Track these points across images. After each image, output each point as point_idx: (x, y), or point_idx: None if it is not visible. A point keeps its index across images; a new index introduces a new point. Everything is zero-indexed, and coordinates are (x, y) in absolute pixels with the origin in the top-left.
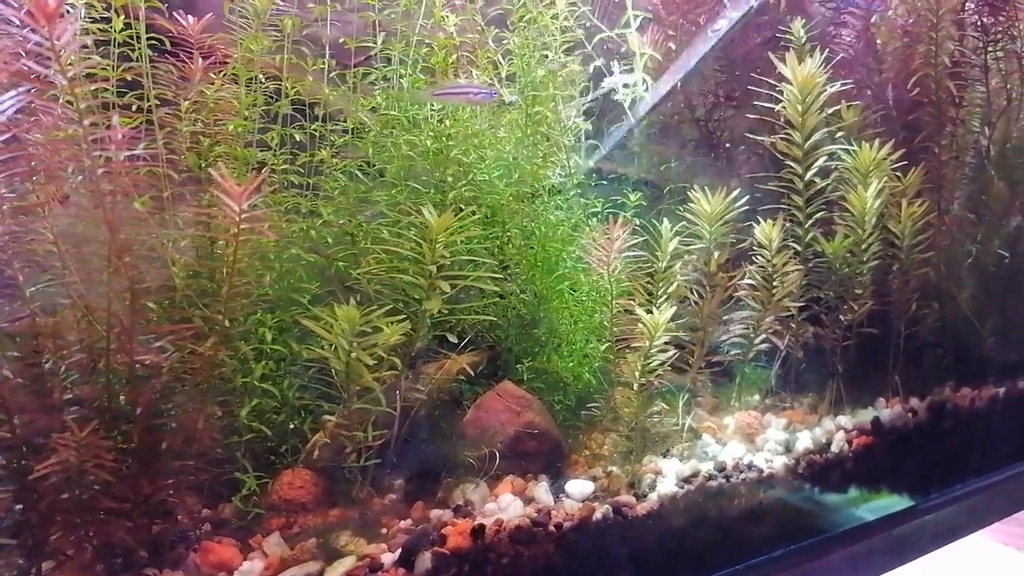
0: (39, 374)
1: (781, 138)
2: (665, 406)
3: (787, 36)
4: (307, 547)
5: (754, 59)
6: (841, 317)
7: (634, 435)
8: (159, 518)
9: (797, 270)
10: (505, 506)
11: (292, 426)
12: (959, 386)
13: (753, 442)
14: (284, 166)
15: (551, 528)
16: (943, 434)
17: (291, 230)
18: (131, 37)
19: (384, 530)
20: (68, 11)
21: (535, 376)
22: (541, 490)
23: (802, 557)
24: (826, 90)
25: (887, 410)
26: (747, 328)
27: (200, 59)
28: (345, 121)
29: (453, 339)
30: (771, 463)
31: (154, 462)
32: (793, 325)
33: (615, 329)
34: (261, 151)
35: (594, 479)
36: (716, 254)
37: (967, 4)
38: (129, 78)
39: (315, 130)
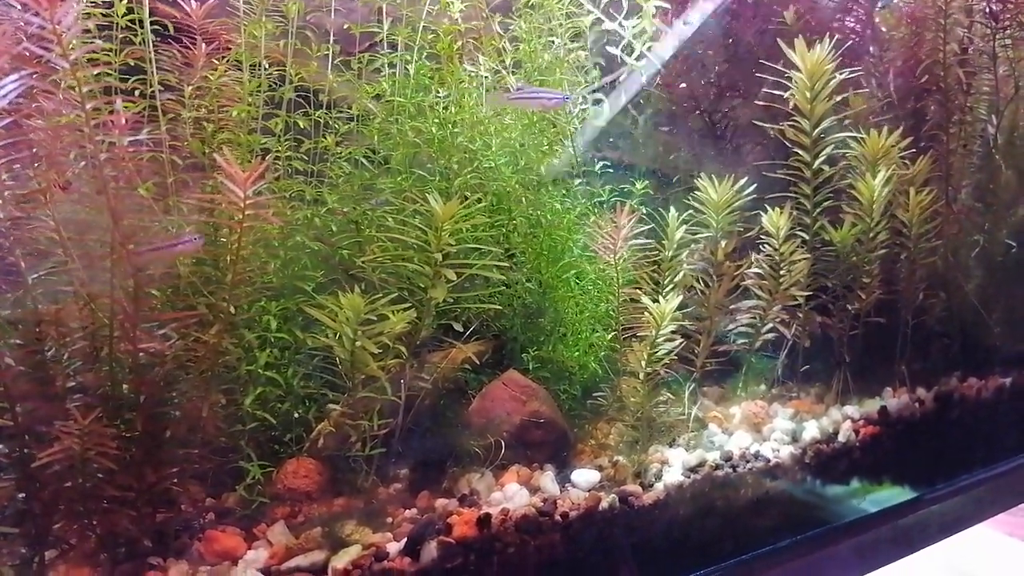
0: (41, 362)
1: (789, 125)
2: (671, 396)
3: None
4: (312, 536)
5: (761, 45)
6: (848, 306)
7: (640, 425)
8: (163, 507)
9: (804, 259)
10: (511, 495)
11: (297, 415)
12: (966, 376)
13: (760, 432)
14: (288, 153)
15: (557, 518)
16: (950, 424)
17: (295, 217)
18: (133, 22)
19: (389, 519)
20: None
21: (541, 365)
22: (547, 480)
23: (808, 547)
24: (835, 77)
25: (894, 400)
26: (754, 317)
27: (203, 45)
28: (350, 108)
29: (458, 328)
30: (778, 453)
31: (158, 450)
32: (800, 314)
33: (621, 318)
34: (265, 138)
35: (600, 469)
36: (723, 243)
37: None
38: (132, 63)
39: (320, 117)
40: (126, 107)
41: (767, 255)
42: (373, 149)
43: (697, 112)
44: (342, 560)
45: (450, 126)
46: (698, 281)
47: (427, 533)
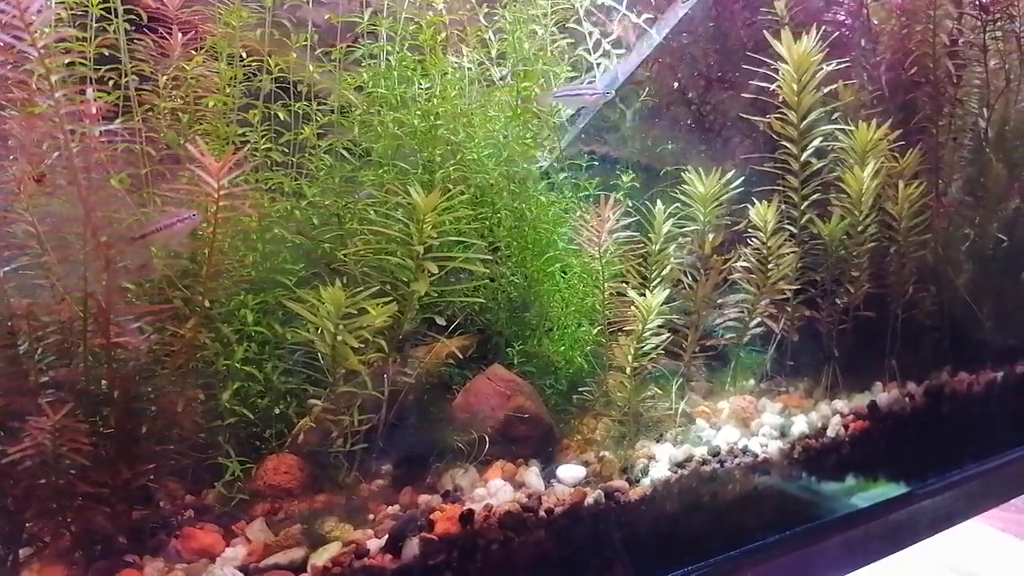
0: (14, 356)
1: (776, 118)
2: (658, 390)
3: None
4: (292, 533)
5: (748, 37)
6: (837, 300)
7: (627, 420)
8: (139, 504)
9: (792, 252)
10: (495, 491)
11: (277, 411)
12: (956, 370)
13: (748, 427)
14: (267, 145)
15: (542, 513)
16: (940, 419)
17: (274, 209)
18: (108, 11)
19: (371, 516)
20: None
21: (526, 360)
22: (532, 475)
23: (797, 543)
24: (822, 68)
25: (884, 394)
26: (742, 311)
27: (179, 34)
28: (329, 99)
29: (442, 322)
30: (766, 448)
31: (133, 447)
32: (788, 308)
33: (607, 312)
34: (243, 129)
35: (586, 464)
36: (710, 236)
37: None
38: (106, 53)
39: (299, 108)
40: (98, 97)
41: (755, 248)
42: (354, 141)
43: (685, 104)
44: (321, 558)
45: (432, 118)
46: (685, 275)
47: (409, 529)
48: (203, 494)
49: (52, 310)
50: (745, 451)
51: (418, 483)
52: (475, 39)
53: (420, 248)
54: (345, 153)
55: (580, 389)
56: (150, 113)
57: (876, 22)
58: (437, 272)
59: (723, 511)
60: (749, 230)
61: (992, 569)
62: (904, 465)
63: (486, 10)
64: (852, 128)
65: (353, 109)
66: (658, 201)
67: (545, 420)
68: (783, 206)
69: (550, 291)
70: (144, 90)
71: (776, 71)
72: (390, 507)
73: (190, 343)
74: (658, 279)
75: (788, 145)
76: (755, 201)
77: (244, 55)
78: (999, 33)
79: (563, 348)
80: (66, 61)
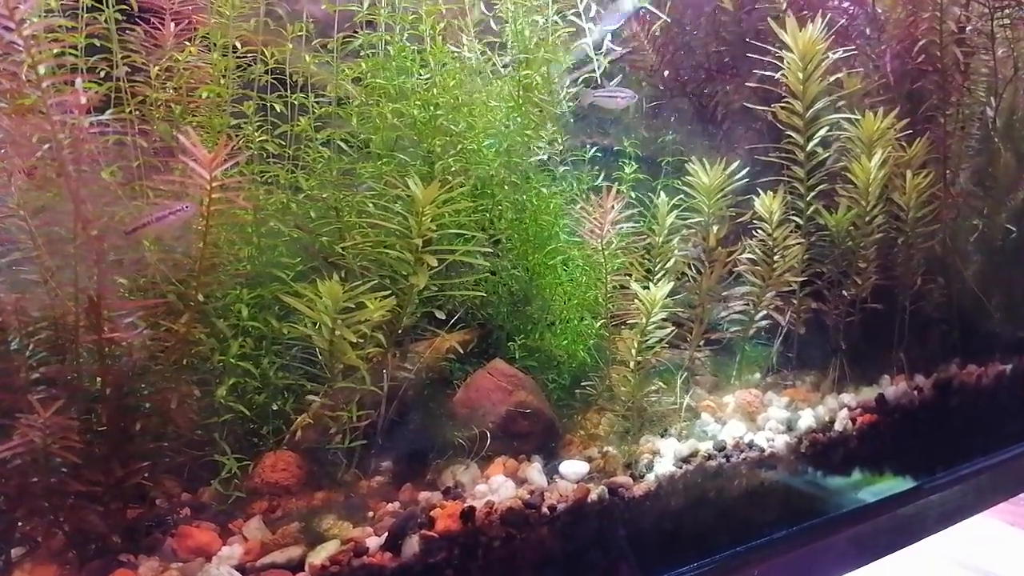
0: (4, 352)
1: (781, 107)
2: (663, 385)
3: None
4: (289, 531)
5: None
6: (844, 292)
7: (631, 414)
8: (134, 502)
9: (798, 244)
10: (496, 488)
11: (275, 407)
12: (965, 363)
13: (754, 421)
14: (262, 137)
15: (544, 510)
16: (949, 412)
17: (270, 202)
18: (98, 0)
19: (370, 513)
20: None
21: (528, 354)
22: (534, 471)
23: (805, 538)
24: (828, 57)
25: (892, 388)
26: (747, 304)
27: (172, 24)
28: (327, 90)
29: (442, 316)
30: (772, 442)
31: (127, 444)
32: (795, 301)
33: (610, 306)
34: (237, 120)
35: (589, 460)
36: (715, 228)
37: None
38: (98, 43)
39: (296, 100)
40: (88, 88)
41: (760, 240)
42: (352, 133)
43: (688, 95)
44: (319, 556)
45: (432, 108)
46: (690, 267)
47: (409, 527)
48: (199, 492)
49: (43, 305)
50: (751, 445)
51: (418, 480)
52: (475, 28)
53: (419, 241)
54: (343, 145)
55: (583, 384)
56: (142, 104)
57: (881, 10)
58: (437, 265)
59: (729, 506)
60: (754, 221)
61: (1002, 564)
62: (912, 459)
63: None
64: (859, 117)
65: (351, 100)
66: (661, 192)
67: (547, 415)
68: (789, 197)
69: (552, 284)
70: (136, 81)
71: (781, 59)
72: (390, 504)
73: (184, 338)
74: (662, 271)
75: (794, 135)
76: (760, 192)
77: (238, 45)
78: (1007, 20)
79: (565, 342)
80: (55, 51)
